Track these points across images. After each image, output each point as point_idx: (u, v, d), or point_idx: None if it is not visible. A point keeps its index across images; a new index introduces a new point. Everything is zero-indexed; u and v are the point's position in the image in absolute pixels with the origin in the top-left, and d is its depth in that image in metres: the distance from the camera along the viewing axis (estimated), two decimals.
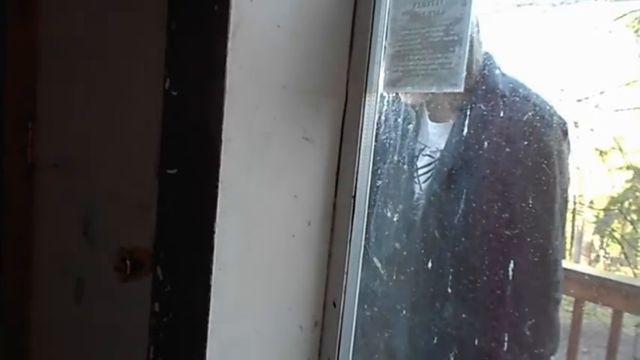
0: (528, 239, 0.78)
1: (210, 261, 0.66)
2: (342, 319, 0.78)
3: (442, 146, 0.92)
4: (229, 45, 0.63)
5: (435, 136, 0.96)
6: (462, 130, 0.83)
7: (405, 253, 0.84)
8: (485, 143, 0.82)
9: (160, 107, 0.95)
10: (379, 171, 0.82)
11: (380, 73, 0.76)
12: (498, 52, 0.95)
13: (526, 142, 0.81)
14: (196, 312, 0.69)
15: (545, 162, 0.81)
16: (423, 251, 0.82)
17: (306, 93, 0.72)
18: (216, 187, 0.65)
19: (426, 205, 0.84)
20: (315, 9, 0.71)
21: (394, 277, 0.84)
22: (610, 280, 2.09)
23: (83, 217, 1.30)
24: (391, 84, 0.76)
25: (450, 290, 0.79)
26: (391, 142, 0.87)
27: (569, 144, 0.93)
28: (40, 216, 1.58)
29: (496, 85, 0.86)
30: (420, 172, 0.93)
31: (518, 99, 0.83)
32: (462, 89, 0.67)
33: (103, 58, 1.22)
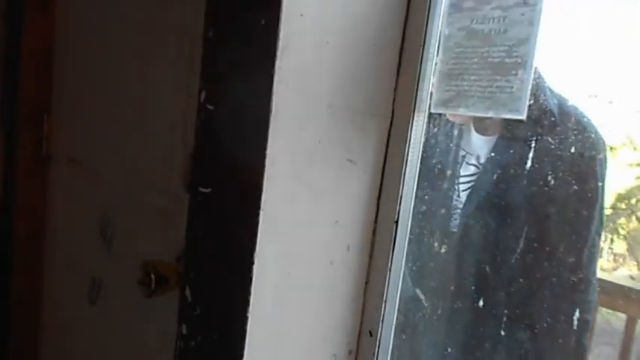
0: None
1: (249, 291, 0.62)
2: (378, 349, 0.74)
3: (484, 159, 0.88)
4: (277, 63, 0.58)
5: (478, 146, 0.92)
6: (524, 163, 0.79)
7: (452, 287, 0.80)
8: (547, 178, 0.77)
9: (183, 114, 0.90)
10: (425, 196, 0.78)
11: (430, 92, 0.71)
12: None
13: (583, 179, 0.77)
14: (231, 341, 0.65)
15: (597, 199, 0.78)
16: (473, 288, 0.78)
17: (352, 112, 0.67)
18: (258, 214, 0.60)
19: (475, 238, 0.80)
20: (365, 24, 0.66)
21: (439, 311, 0.80)
22: (626, 287, 2.06)
23: (100, 217, 1.26)
24: (442, 103, 0.71)
25: (503, 333, 0.75)
26: (440, 165, 0.83)
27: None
28: (53, 209, 1.55)
29: (550, 109, 0.81)
30: (462, 180, 0.89)
31: (575, 129, 0.79)
32: (524, 116, 0.62)
33: (126, 52, 1.17)
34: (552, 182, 0.77)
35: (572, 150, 0.81)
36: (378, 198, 0.73)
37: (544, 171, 0.77)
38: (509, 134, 0.83)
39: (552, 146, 0.78)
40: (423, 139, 0.73)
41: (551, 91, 0.85)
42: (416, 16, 0.69)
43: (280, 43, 0.58)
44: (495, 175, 0.83)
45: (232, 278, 0.65)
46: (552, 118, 0.81)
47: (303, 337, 0.70)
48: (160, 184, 1.02)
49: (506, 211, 0.83)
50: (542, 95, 0.83)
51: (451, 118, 0.85)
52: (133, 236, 1.14)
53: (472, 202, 0.85)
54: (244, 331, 0.63)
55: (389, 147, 0.72)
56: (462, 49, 0.68)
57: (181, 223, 0.93)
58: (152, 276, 0.85)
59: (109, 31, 1.23)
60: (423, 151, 0.73)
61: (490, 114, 0.66)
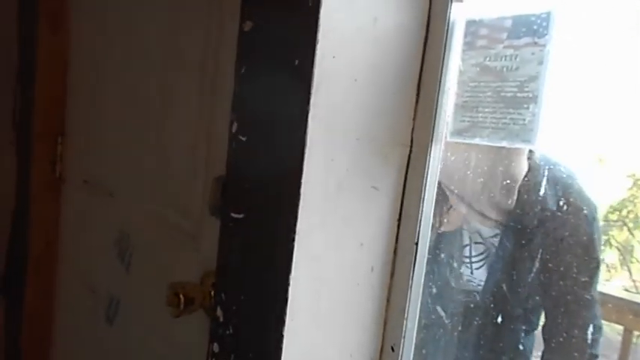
0: None
1: (284, 312, 0.66)
2: None
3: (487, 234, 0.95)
4: (312, 100, 0.63)
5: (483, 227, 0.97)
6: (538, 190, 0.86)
7: (472, 305, 0.85)
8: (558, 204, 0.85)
9: (206, 137, 0.95)
10: (445, 220, 0.83)
11: (446, 122, 0.76)
12: None
13: (583, 245, 0.87)
14: (267, 359, 0.69)
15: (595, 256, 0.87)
16: (492, 305, 0.83)
17: (375, 143, 0.72)
18: (293, 240, 0.65)
19: (494, 257, 0.85)
20: (387, 61, 0.71)
21: (459, 328, 0.85)
22: (622, 299, 2.11)
23: (118, 237, 1.30)
24: (457, 133, 0.76)
25: (521, 347, 0.80)
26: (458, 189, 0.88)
27: None
28: (66, 230, 1.58)
29: (553, 202, 0.91)
30: (475, 259, 0.94)
31: (574, 212, 0.89)
32: (535, 146, 0.68)
33: (143, 77, 1.21)
34: (554, 253, 0.86)
35: (571, 228, 0.90)
36: (399, 221, 0.78)
37: (547, 248, 0.86)
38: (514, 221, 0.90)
39: (553, 230, 0.87)
40: (441, 166, 0.78)
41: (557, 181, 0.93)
42: (433, 54, 0.75)
43: (314, 83, 0.63)
44: (507, 250, 0.90)
45: (267, 299, 0.69)
46: (556, 211, 0.89)
47: (332, 355, 0.75)
48: (182, 207, 1.07)
49: (539, 250, 0.90)
50: (548, 190, 0.90)
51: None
52: (152, 256, 1.17)
53: (487, 277, 0.91)
54: (280, 350, 0.67)
55: (408, 174, 0.77)
56: (476, 84, 0.74)
57: (205, 245, 0.98)
58: (181, 297, 0.89)
59: (126, 53, 1.27)
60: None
61: (504, 144, 0.71)
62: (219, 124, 0.90)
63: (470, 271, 0.89)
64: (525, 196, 0.89)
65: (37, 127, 1.56)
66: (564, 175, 0.94)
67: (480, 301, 0.89)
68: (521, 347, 0.81)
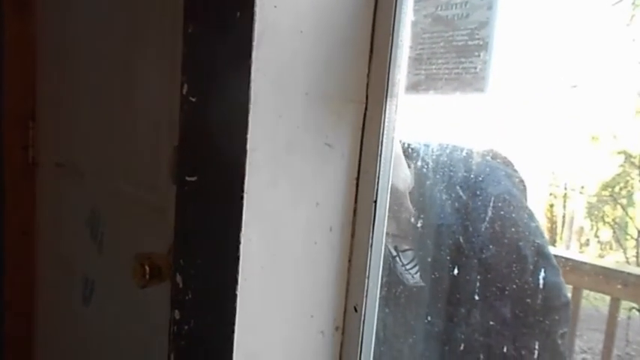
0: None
1: (236, 271, 0.65)
2: (363, 323, 0.78)
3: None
4: (254, 54, 0.61)
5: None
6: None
7: (429, 259, 0.84)
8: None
9: (168, 110, 0.94)
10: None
11: (401, 77, 0.74)
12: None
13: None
14: (221, 322, 0.68)
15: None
16: (448, 258, 0.82)
17: (328, 99, 0.71)
18: (242, 197, 0.64)
19: (451, 211, 0.84)
20: (336, 13, 0.69)
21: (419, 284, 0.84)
22: (609, 268, 2.11)
23: (90, 217, 1.29)
24: (412, 87, 0.75)
25: (477, 297, 0.80)
26: (414, 145, 0.87)
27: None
28: (42, 215, 1.57)
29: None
30: (408, 267, 0.91)
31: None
32: (487, 94, 0.67)
33: (107, 56, 1.20)
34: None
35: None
36: (357, 180, 0.77)
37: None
38: None
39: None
40: (397, 122, 0.76)
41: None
42: (384, 4, 0.73)
43: (256, 35, 0.61)
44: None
45: (221, 260, 0.68)
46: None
47: (292, 315, 0.74)
48: (149, 181, 1.05)
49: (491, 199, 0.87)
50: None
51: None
52: (123, 234, 1.16)
53: (426, 279, 0.89)
54: (234, 309, 0.66)
55: (364, 131, 0.76)
56: (429, 35, 0.72)
57: (171, 217, 0.97)
58: (146, 267, 0.88)
59: (91, 36, 1.26)
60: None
61: (457, 94, 0.70)
62: (178, 94, 0.89)
63: (411, 277, 0.88)
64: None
65: (7, 113, 1.54)
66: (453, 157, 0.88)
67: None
68: (476, 297, 0.80)
